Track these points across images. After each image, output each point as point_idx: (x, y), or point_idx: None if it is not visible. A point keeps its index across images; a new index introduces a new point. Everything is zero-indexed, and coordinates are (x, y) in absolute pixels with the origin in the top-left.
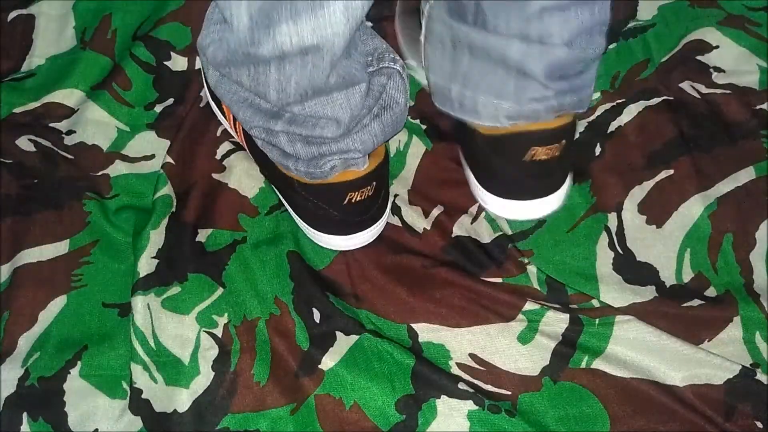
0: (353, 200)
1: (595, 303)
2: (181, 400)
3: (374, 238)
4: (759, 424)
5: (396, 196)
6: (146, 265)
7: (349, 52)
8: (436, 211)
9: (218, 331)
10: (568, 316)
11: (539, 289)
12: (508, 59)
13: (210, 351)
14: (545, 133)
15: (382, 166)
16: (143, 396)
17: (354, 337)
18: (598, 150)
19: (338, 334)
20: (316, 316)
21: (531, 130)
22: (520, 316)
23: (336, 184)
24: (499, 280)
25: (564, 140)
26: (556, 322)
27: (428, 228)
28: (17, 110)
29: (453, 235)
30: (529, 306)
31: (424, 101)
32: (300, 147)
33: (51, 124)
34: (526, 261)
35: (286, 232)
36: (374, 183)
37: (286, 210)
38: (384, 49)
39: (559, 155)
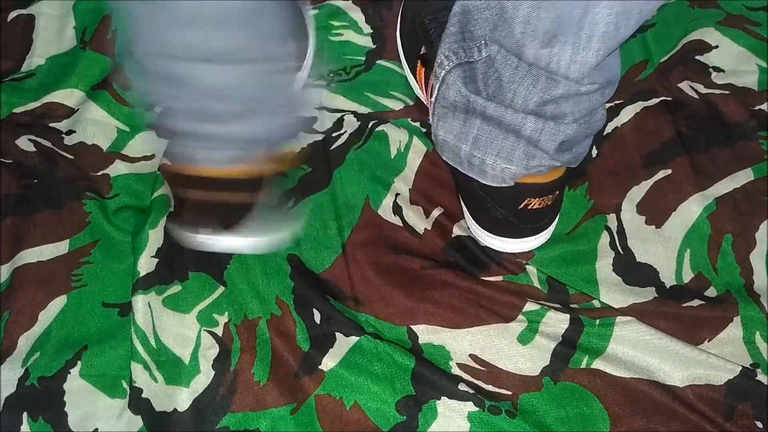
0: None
1: (595, 303)
2: (181, 399)
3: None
4: (759, 424)
5: (397, 195)
6: (146, 264)
7: None
8: (436, 212)
9: (219, 330)
10: (568, 316)
11: (540, 288)
12: (521, 132)
13: (210, 350)
14: (540, 186)
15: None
16: (143, 395)
17: (354, 339)
18: (594, 152)
19: (338, 335)
20: (317, 316)
21: (527, 183)
22: (520, 316)
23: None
24: (499, 278)
25: (557, 191)
26: (557, 322)
27: (429, 228)
28: (17, 110)
29: (453, 235)
30: (529, 306)
31: (424, 104)
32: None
33: (51, 124)
34: (525, 262)
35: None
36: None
37: None
38: None
39: (552, 204)
